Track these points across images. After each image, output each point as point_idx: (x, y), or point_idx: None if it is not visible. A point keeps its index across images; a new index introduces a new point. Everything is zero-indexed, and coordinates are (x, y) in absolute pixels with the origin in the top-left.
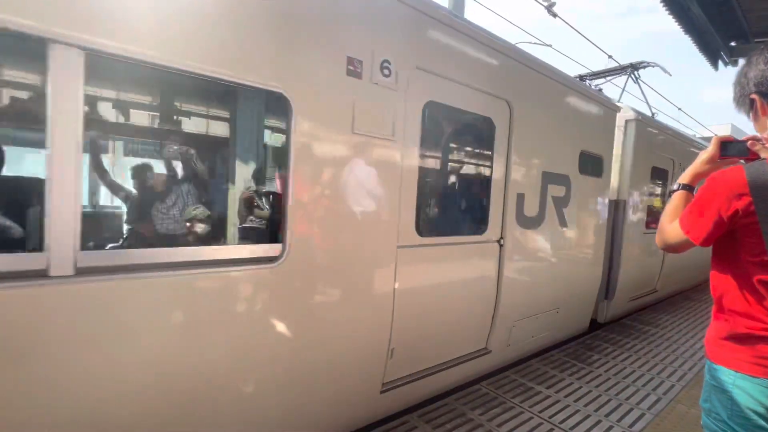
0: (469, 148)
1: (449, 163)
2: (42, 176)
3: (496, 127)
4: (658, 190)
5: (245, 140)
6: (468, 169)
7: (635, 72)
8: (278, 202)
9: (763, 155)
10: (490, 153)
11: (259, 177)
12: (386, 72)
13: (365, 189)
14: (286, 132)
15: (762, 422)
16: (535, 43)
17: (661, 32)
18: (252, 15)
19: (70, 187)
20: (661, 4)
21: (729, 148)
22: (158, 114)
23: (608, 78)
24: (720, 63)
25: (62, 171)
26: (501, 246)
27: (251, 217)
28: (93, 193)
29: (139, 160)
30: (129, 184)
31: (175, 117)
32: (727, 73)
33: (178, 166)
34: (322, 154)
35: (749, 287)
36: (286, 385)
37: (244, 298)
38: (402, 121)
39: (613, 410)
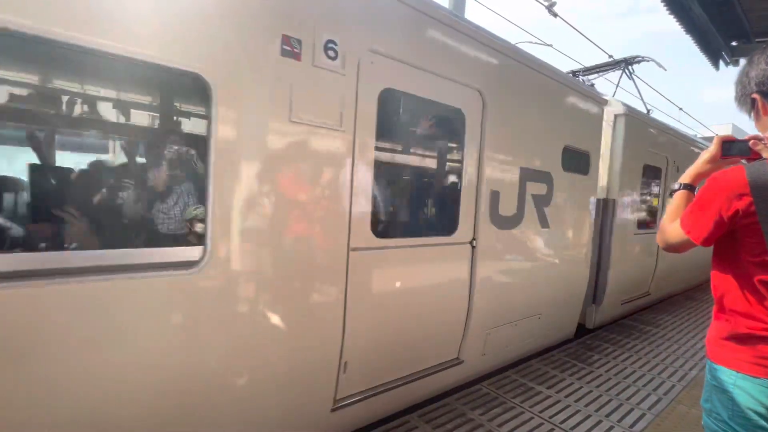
0: (435, 142)
1: (413, 158)
2: None
3: (467, 119)
4: (651, 189)
5: (158, 128)
6: (435, 165)
7: (629, 67)
8: (199, 199)
9: (764, 155)
10: (460, 147)
11: (173, 171)
12: (331, 54)
13: (306, 184)
14: (207, 119)
15: (763, 422)
16: (535, 43)
17: (661, 32)
18: None
19: None
20: (662, 4)
21: (730, 148)
22: (31, 99)
23: (600, 73)
24: (721, 63)
25: None
26: (473, 248)
27: (165, 216)
28: None
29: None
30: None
31: (62, 101)
32: (728, 73)
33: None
34: (251, 144)
35: (750, 287)
36: (215, 409)
37: (151, 309)
38: (353, 109)
39: (614, 410)
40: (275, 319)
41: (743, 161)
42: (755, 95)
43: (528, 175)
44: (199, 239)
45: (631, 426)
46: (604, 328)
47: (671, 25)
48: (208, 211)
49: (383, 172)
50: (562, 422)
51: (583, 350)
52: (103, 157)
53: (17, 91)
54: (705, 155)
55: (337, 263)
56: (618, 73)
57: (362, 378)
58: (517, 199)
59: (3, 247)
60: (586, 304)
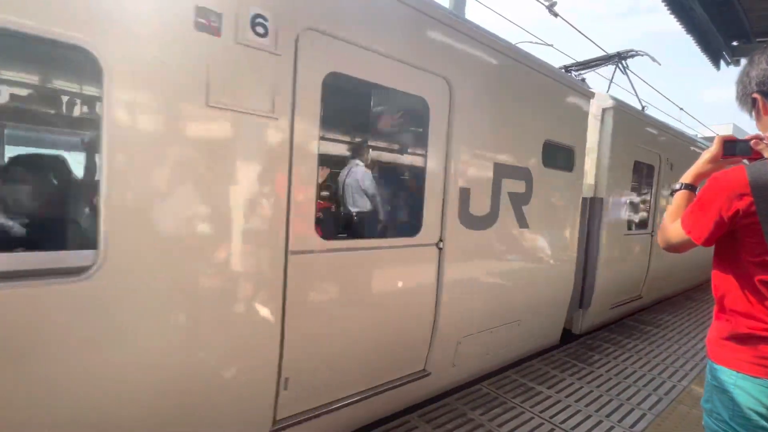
0: (395, 133)
1: (368, 151)
2: None
3: (431, 110)
4: (643, 188)
5: (41, 111)
6: (394, 159)
7: (622, 61)
8: (91, 195)
9: (765, 154)
10: (423, 140)
11: (55, 164)
12: (260, 30)
13: (228, 178)
14: (100, 101)
15: (763, 422)
16: (536, 43)
17: (661, 32)
18: None
19: None
20: (663, 4)
21: (732, 148)
22: None
23: (591, 67)
24: (722, 63)
25: None
26: (440, 250)
27: (51, 214)
28: None
29: None
30: None
31: None
32: (728, 74)
33: None
34: (157, 130)
35: (750, 287)
36: None
37: (32, 324)
38: (289, 94)
39: (615, 410)
40: (190, 333)
41: (744, 161)
42: (756, 95)
43: (503, 171)
44: (91, 241)
45: (632, 426)
46: (606, 329)
47: (671, 25)
48: (100, 208)
49: (330, 166)
50: (563, 422)
51: (584, 350)
52: None
53: None
54: (706, 155)
55: (271, 268)
56: (614, 70)
57: (309, 395)
58: (490, 198)
59: None
60: (573, 308)
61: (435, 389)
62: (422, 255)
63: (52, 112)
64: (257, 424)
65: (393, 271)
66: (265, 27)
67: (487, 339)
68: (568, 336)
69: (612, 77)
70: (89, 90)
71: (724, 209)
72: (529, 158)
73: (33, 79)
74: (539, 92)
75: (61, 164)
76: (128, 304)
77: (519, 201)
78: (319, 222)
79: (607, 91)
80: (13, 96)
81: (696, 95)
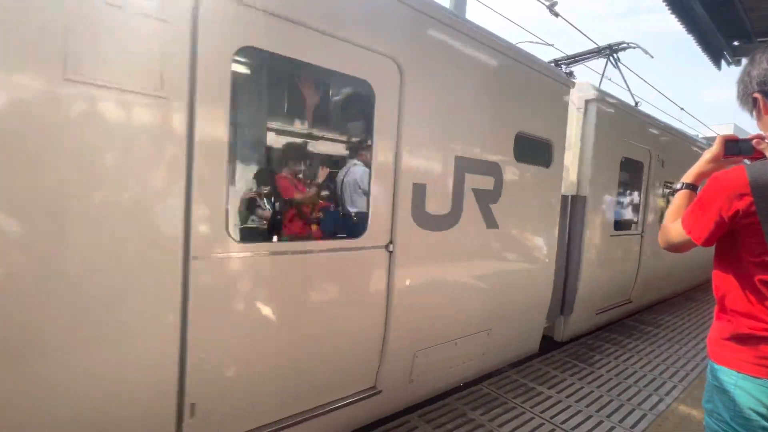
0: (331, 120)
1: (300, 140)
2: None
3: (377, 95)
4: (631, 186)
5: None
6: (331, 150)
7: (614, 54)
8: None
9: (767, 154)
10: (367, 129)
11: None
12: None
13: (95, 167)
14: None
15: (764, 423)
16: (537, 43)
17: (661, 32)
18: None
19: None
20: (664, 4)
21: (733, 147)
22: None
23: (582, 60)
24: (723, 63)
25: None
26: (390, 253)
27: None
28: None
29: None
30: None
31: None
32: (727, 74)
33: None
34: None
35: (751, 287)
36: None
37: None
38: (186, 70)
39: (615, 411)
40: (60, 355)
41: (745, 161)
42: (757, 94)
43: (467, 165)
44: None
45: (633, 426)
46: (607, 329)
47: (671, 25)
48: None
49: (247, 156)
50: (563, 422)
51: (584, 350)
52: None
53: None
54: (707, 154)
55: (164, 276)
56: (605, 64)
57: (225, 422)
58: (451, 195)
59: None
60: (553, 315)
61: (388, 408)
62: (368, 259)
63: None
64: None
65: (332, 277)
66: None
67: (452, 351)
68: (551, 344)
69: (603, 71)
70: None
71: (724, 209)
72: (497, 152)
73: None
74: (509, 79)
75: None
76: None
77: (486, 199)
78: (233, 222)
79: (599, 86)
80: None
81: (696, 95)
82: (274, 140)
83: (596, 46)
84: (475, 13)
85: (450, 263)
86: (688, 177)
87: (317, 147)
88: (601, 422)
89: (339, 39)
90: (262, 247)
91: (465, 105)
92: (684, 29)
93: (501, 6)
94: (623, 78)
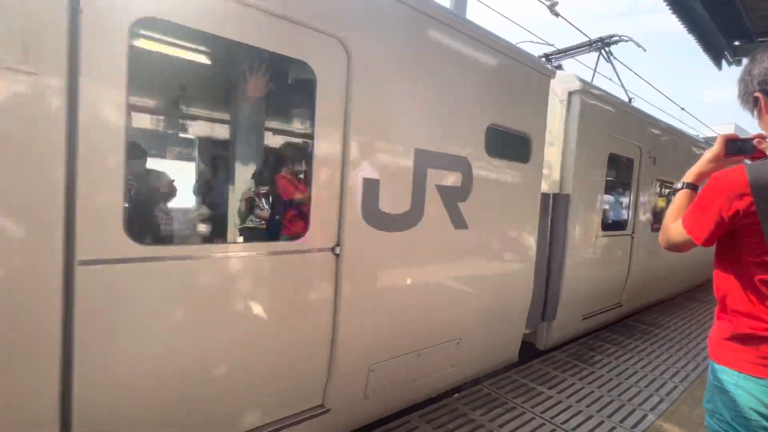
0: (262, 106)
1: (215, 126)
2: None
3: (319, 79)
4: (620, 184)
5: None
6: (261, 139)
7: (606, 48)
8: None
9: None
10: (308, 117)
11: None
12: None
13: None
14: None
15: (765, 423)
16: (537, 43)
17: (662, 32)
18: None
19: None
20: (665, 4)
21: (735, 147)
22: None
23: (572, 53)
24: (724, 63)
25: None
26: (337, 256)
27: None
28: None
29: None
30: None
31: None
32: (729, 73)
33: None
34: None
35: (752, 287)
36: None
37: None
38: (63, 42)
39: (616, 411)
40: None
41: (746, 161)
42: (758, 93)
43: (429, 160)
44: None
45: (633, 427)
46: (608, 329)
47: (671, 25)
48: None
49: (151, 143)
50: (564, 423)
51: (585, 350)
52: None
53: None
54: (708, 154)
55: (40, 284)
56: (597, 57)
57: None
58: (411, 192)
59: None
60: (533, 321)
61: (339, 427)
62: (311, 263)
63: None
64: None
65: (265, 284)
66: None
67: (414, 363)
68: (533, 352)
69: (596, 65)
70: None
71: (724, 209)
72: (466, 145)
73: None
74: (479, 67)
75: None
76: None
77: (453, 196)
78: (139, 222)
79: (592, 80)
80: None
81: (696, 95)
82: (190, 127)
83: (588, 39)
84: (475, 13)
85: (410, 267)
86: (688, 177)
87: (246, 136)
88: (601, 422)
89: (271, 14)
90: (172, 250)
91: (427, 93)
92: (685, 29)
93: (501, 6)
94: (616, 73)
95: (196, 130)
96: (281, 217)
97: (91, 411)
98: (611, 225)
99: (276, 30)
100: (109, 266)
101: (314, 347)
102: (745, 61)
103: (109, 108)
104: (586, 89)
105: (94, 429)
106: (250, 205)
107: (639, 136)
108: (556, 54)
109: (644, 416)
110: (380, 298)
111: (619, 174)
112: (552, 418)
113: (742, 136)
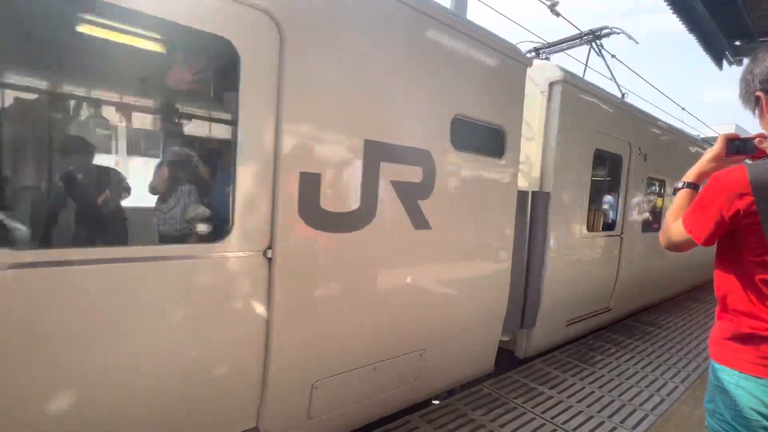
0: (168, 88)
1: (114, 109)
2: None
3: (243, 58)
4: (608, 181)
5: None
6: (174, 126)
7: (597, 41)
8: None
9: None
10: (230, 101)
11: None
12: None
13: None
14: None
15: (765, 423)
16: (537, 42)
17: (662, 32)
18: None
19: None
20: (666, 4)
21: (736, 146)
22: None
23: (561, 46)
24: (724, 62)
25: None
26: (270, 260)
27: None
28: None
29: None
30: None
31: None
32: (729, 73)
33: None
34: None
35: (752, 287)
36: None
37: None
38: None
39: (616, 411)
40: None
41: (747, 160)
42: (759, 93)
43: (382, 152)
44: None
45: (634, 427)
46: (608, 329)
47: (672, 25)
48: None
49: (24, 126)
50: (565, 423)
51: (585, 350)
52: None
53: None
54: (709, 153)
55: None
56: (588, 51)
57: None
58: (360, 187)
59: None
60: (510, 328)
61: None
62: (236, 268)
63: None
64: None
65: (175, 293)
66: None
67: (369, 378)
68: (516, 361)
69: (587, 59)
70: None
71: (724, 209)
72: (427, 137)
73: None
74: (445, 51)
75: None
76: None
77: (413, 193)
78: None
79: (583, 76)
80: None
81: (696, 95)
82: (81, 108)
83: (579, 31)
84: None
85: (361, 271)
86: (689, 176)
87: (152, 122)
88: (602, 423)
89: None
90: (59, 254)
91: (379, 79)
92: (685, 29)
93: (502, 6)
94: (608, 67)
95: (95, 111)
96: (199, 215)
97: None
98: (597, 225)
99: (191, 1)
100: None
101: (243, 364)
102: (746, 60)
103: None
104: (569, 80)
105: None
106: (158, 201)
107: (628, 132)
108: (546, 47)
109: (645, 416)
110: (323, 307)
111: (607, 171)
112: (553, 418)
113: (742, 135)
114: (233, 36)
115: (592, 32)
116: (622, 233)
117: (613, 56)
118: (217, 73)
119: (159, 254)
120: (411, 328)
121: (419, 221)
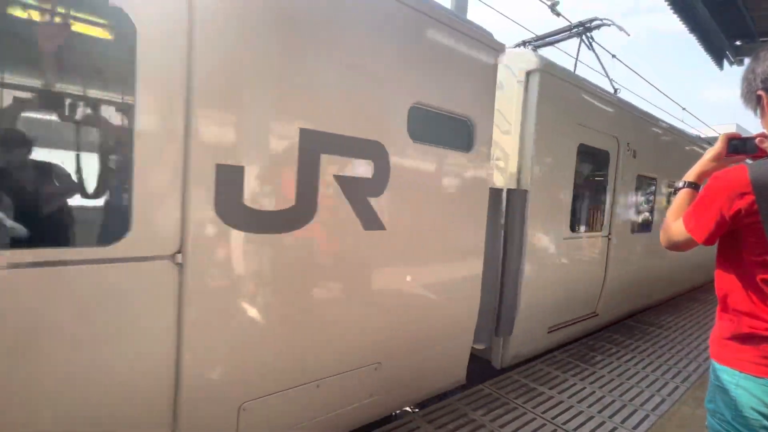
0: (48, 62)
1: None
2: None
3: (140, 29)
4: (593, 179)
5: None
6: (45, 103)
7: (587, 33)
8: None
9: None
10: (126, 81)
11: None
12: None
13: None
14: None
15: (765, 422)
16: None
17: (663, 32)
18: None
19: None
20: (666, 4)
21: (737, 146)
22: None
23: (549, 39)
24: (725, 62)
25: None
26: (180, 266)
27: None
28: None
29: None
30: None
31: None
32: (730, 73)
33: None
34: None
35: (753, 287)
36: None
37: None
38: None
39: (617, 411)
40: None
41: (747, 160)
42: (761, 92)
43: (323, 143)
44: None
45: (635, 427)
46: (609, 329)
47: (672, 24)
48: None
49: None
50: (565, 423)
51: (586, 351)
52: None
53: None
54: (710, 153)
55: None
56: (579, 44)
57: None
58: (296, 182)
59: None
60: (485, 336)
61: None
62: (136, 276)
63: None
64: None
65: (62, 305)
66: None
67: (311, 396)
68: (494, 371)
69: (578, 52)
70: None
71: (725, 208)
72: (379, 127)
73: None
74: (400, 33)
75: None
76: None
77: (362, 190)
78: None
79: (574, 70)
80: None
81: (696, 95)
82: None
83: (569, 23)
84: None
85: (296, 277)
86: (689, 175)
87: (29, 100)
88: (603, 423)
89: None
90: None
91: (320, 60)
92: (686, 29)
93: (502, 5)
94: (599, 60)
95: None
96: (85, 212)
97: None
98: (581, 226)
99: None
100: None
101: (149, 388)
102: (746, 60)
103: None
104: (547, 68)
105: None
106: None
107: (616, 127)
108: (536, 40)
109: (646, 416)
110: (249, 320)
111: (593, 168)
112: (553, 418)
113: (743, 135)
114: (125, 5)
115: (581, 24)
116: (609, 234)
117: (613, 56)
118: (112, 48)
119: (50, 258)
120: (362, 340)
121: (370, 221)
